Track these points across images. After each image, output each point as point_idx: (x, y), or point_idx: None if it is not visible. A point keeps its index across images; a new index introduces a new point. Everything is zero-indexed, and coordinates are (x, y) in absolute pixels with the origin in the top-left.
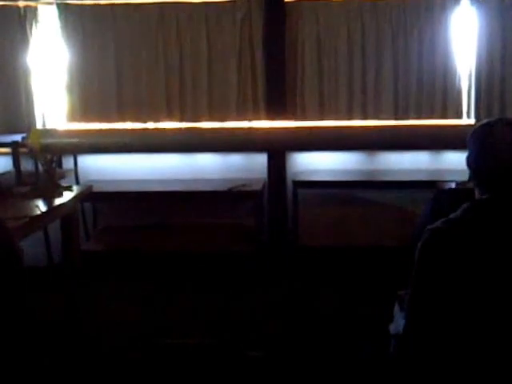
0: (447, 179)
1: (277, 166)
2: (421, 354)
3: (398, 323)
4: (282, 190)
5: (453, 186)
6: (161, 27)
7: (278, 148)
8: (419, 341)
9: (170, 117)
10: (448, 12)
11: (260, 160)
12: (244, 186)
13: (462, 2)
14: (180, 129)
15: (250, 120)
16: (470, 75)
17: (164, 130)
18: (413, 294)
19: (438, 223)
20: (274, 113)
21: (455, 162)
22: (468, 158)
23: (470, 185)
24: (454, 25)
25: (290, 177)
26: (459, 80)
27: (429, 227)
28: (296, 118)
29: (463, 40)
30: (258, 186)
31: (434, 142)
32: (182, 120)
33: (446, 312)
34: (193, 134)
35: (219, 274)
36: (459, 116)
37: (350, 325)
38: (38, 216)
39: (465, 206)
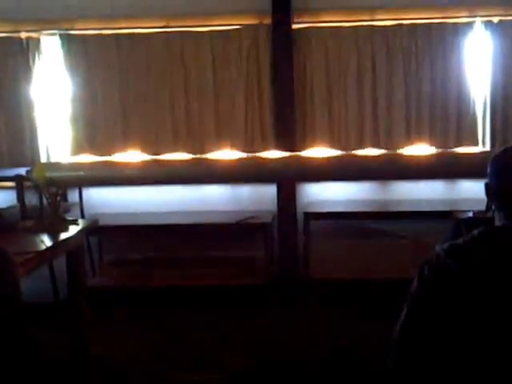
0: (463, 209)
1: (286, 197)
2: None
3: None
4: (292, 222)
5: (470, 215)
6: (166, 57)
7: (287, 179)
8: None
9: (176, 148)
10: (461, 36)
11: (269, 191)
12: (253, 218)
13: (475, 26)
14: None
15: (258, 150)
16: (485, 101)
17: (170, 161)
18: (406, 313)
19: (443, 246)
20: (282, 142)
21: (471, 190)
22: (488, 184)
23: (489, 214)
24: (467, 49)
25: (300, 208)
26: (474, 106)
27: (436, 247)
28: (305, 148)
29: (477, 65)
30: (267, 218)
31: (449, 171)
32: (188, 151)
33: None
34: (200, 166)
35: (229, 308)
36: (474, 143)
37: (362, 359)
38: (43, 251)
39: (475, 232)
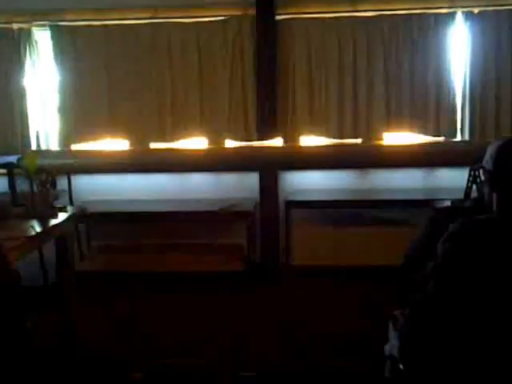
0: (442, 197)
1: (268, 185)
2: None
3: (392, 344)
4: (274, 210)
5: (449, 204)
6: (153, 47)
7: (269, 167)
8: (429, 334)
9: (161, 137)
10: (442, 27)
11: (251, 179)
12: (235, 205)
13: (456, 17)
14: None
15: (241, 140)
16: (464, 92)
17: (155, 150)
18: (435, 283)
19: (458, 221)
20: (265, 132)
21: (448, 179)
22: (491, 170)
23: (467, 203)
24: (447, 40)
25: (282, 196)
26: (453, 96)
27: (461, 219)
28: (287, 138)
29: (457, 56)
30: (249, 206)
31: (428, 160)
32: (173, 140)
33: (466, 305)
34: (183, 154)
35: (211, 294)
36: (453, 133)
37: (343, 345)
38: (33, 236)
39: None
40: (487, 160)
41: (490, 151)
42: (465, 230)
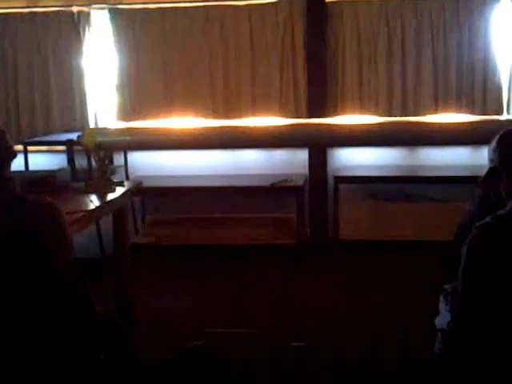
0: None
1: (317, 161)
2: (468, 348)
3: (443, 317)
4: (322, 185)
5: None
6: (206, 29)
7: (318, 144)
8: (467, 335)
9: (215, 114)
10: (487, 9)
11: (301, 156)
12: (286, 181)
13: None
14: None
15: (291, 117)
16: (511, 71)
17: (209, 127)
18: (462, 289)
19: (487, 219)
20: (315, 111)
21: None
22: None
23: None
24: (493, 21)
25: (330, 172)
26: (499, 76)
27: (477, 224)
28: (336, 115)
29: (503, 36)
30: (299, 181)
31: (475, 137)
32: (226, 117)
33: (495, 306)
34: (237, 132)
35: (262, 267)
36: (499, 112)
37: (392, 318)
38: (92, 210)
39: None
40: (491, 157)
41: (491, 147)
42: (479, 237)
